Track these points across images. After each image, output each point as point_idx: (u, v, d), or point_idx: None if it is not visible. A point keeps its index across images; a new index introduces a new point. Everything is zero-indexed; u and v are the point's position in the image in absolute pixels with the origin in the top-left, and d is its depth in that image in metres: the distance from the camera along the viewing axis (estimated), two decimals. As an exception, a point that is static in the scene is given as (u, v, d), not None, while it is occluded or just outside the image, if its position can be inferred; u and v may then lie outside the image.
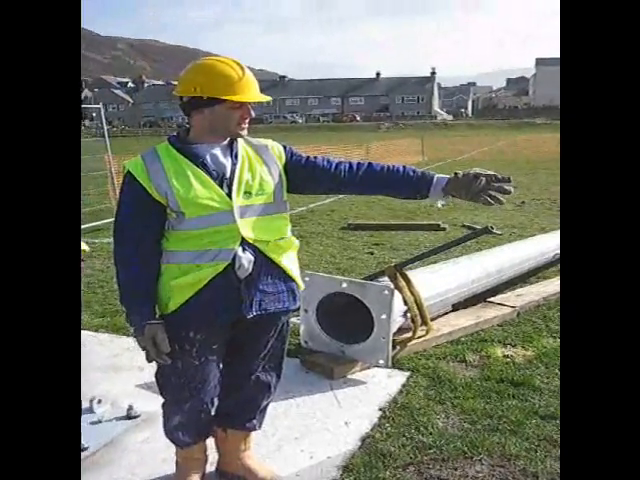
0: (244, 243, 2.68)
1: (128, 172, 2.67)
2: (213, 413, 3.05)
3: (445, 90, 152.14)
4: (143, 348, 2.72)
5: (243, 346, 2.96)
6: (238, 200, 2.66)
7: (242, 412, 3.12)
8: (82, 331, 5.52)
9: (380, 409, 3.91)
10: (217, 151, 2.71)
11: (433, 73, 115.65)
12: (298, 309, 3.17)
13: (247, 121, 2.71)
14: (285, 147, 2.88)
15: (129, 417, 3.84)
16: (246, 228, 2.67)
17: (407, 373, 4.44)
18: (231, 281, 2.68)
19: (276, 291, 2.82)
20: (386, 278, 4.85)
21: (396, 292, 4.55)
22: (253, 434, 3.24)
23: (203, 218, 2.64)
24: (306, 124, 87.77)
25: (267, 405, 3.20)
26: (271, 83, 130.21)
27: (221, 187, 2.65)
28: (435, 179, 2.77)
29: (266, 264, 2.75)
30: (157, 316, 2.73)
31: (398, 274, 4.82)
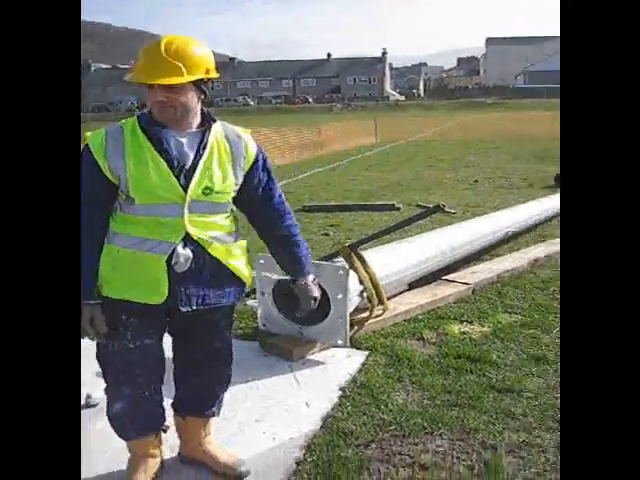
0: (187, 239, 2.61)
1: (86, 145, 2.58)
2: (162, 405, 3.02)
3: (396, 71, 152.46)
4: (82, 330, 2.65)
5: (189, 336, 2.94)
6: (193, 194, 2.57)
7: (198, 399, 3.09)
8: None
9: (340, 389, 3.92)
10: (183, 139, 2.60)
11: (384, 54, 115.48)
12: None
13: (162, 105, 2.52)
14: (260, 152, 2.80)
15: (88, 405, 3.78)
16: (192, 224, 2.61)
17: (366, 352, 4.46)
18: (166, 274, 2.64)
19: (219, 288, 2.78)
20: (341, 259, 4.87)
21: (352, 272, 4.57)
22: (213, 419, 3.20)
23: (151, 207, 2.57)
24: (258, 106, 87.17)
25: (224, 392, 3.17)
26: (221, 65, 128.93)
27: (178, 178, 2.55)
28: (301, 277, 2.97)
29: (209, 262, 2.70)
30: (96, 295, 2.68)
31: (353, 254, 4.83)
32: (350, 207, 10.71)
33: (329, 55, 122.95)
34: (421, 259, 5.76)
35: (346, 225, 9.35)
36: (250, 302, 5.16)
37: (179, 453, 3.24)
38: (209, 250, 2.67)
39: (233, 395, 3.78)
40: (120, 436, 3.01)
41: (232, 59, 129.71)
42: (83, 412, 3.71)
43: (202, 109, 2.68)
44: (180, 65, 2.44)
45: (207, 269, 2.70)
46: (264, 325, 4.79)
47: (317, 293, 3.03)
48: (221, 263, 2.73)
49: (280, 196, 2.89)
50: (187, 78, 2.46)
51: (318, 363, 4.37)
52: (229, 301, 2.85)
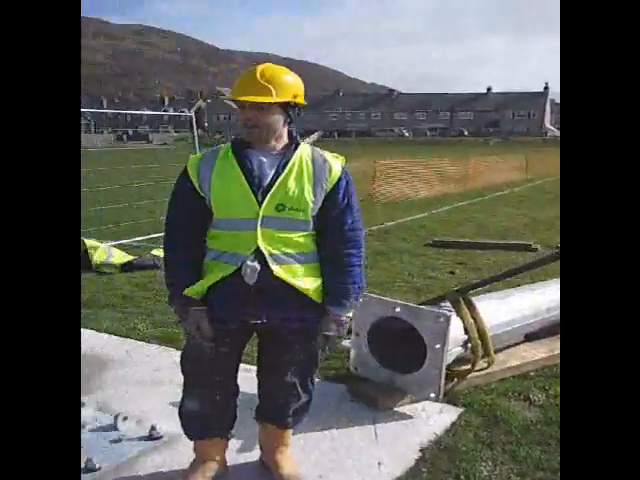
0: (257, 252, 2.76)
1: (185, 165, 2.90)
2: (233, 412, 3.21)
3: (558, 106, 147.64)
4: (186, 331, 2.97)
5: (263, 344, 3.14)
6: (266, 210, 2.74)
7: (272, 408, 3.21)
8: (132, 341, 5.41)
9: (421, 449, 3.54)
10: (266, 158, 2.81)
11: (546, 88, 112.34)
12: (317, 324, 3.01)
13: (249, 124, 2.77)
14: (344, 177, 2.89)
15: (150, 438, 3.63)
16: (264, 239, 2.76)
17: (460, 409, 4.03)
18: (239, 285, 2.79)
19: (284, 305, 2.86)
20: (447, 303, 4.47)
21: (457, 320, 4.17)
22: (289, 432, 3.29)
23: (229, 221, 2.81)
24: (413, 138, 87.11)
25: (302, 408, 3.22)
26: (379, 97, 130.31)
27: (256, 195, 2.75)
28: (330, 308, 2.92)
29: (275, 277, 2.80)
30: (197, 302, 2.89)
31: (461, 299, 4.42)
32: (482, 245, 10.15)
33: (489, 89, 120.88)
34: (541, 309, 5.21)
35: (475, 264, 8.83)
36: (345, 342, 4.85)
37: (260, 458, 3.40)
38: (274, 266, 2.78)
39: (306, 440, 3.62)
40: (187, 435, 3.23)
41: (391, 91, 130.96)
42: (145, 444, 3.58)
43: (290, 132, 2.89)
44: (270, 87, 2.71)
45: (273, 284, 2.79)
46: (355, 369, 4.47)
47: (334, 332, 2.96)
48: (285, 281, 2.81)
49: (353, 223, 2.91)
50: (275, 99, 2.71)
51: (405, 417, 3.98)
52: (294, 318, 2.90)
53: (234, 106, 2.88)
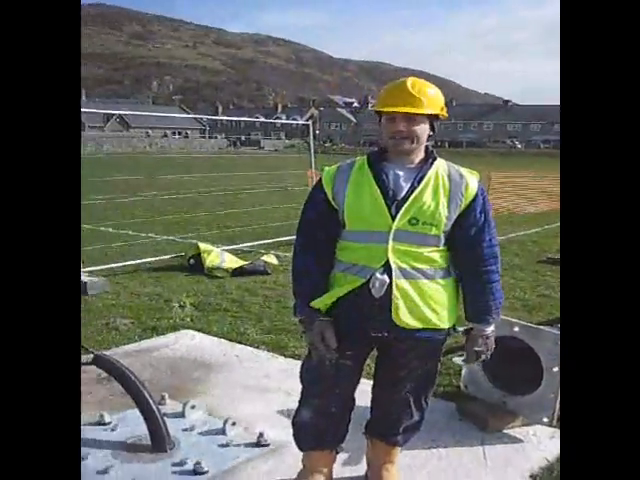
0: (387, 266, 2.75)
1: (320, 177, 2.94)
2: (345, 425, 3.18)
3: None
4: (310, 343, 2.92)
5: (380, 358, 3.12)
6: (398, 224, 2.73)
7: (383, 423, 3.21)
8: (242, 346, 5.49)
9: (531, 476, 3.41)
10: (402, 172, 2.81)
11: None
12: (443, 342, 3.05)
13: (399, 136, 2.75)
14: (480, 194, 2.86)
15: (258, 444, 3.65)
16: (395, 252, 2.75)
17: (575, 437, 3.85)
18: (365, 298, 2.78)
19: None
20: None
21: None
22: (397, 449, 3.27)
23: (361, 233, 2.81)
24: (525, 150, 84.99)
25: (413, 426, 3.20)
26: (494, 107, 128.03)
27: (390, 208, 2.75)
28: (476, 324, 2.94)
29: (401, 292, 2.78)
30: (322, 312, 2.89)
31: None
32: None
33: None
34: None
35: (591, 284, 8.47)
36: (456, 359, 4.74)
37: (365, 475, 3.38)
38: (400, 280, 2.76)
39: (413, 458, 3.56)
40: (298, 445, 3.22)
41: (506, 102, 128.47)
42: (252, 450, 3.60)
43: (427, 146, 2.88)
44: (422, 99, 2.73)
45: (400, 299, 2.78)
46: (466, 387, 4.36)
47: (482, 348, 2.96)
48: (410, 296, 2.79)
49: (491, 240, 2.88)
50: (426, 110, 2.74)
51: (515, 440, 3.85)
52: (418, 337, 2.87)
53: (378, 118, 2.86)
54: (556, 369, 3.80)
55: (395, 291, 2.77)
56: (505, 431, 3.95)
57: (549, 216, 16.52)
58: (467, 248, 2.86)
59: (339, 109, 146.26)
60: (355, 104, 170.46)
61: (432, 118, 2.80)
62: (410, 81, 2.79)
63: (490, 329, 2.96)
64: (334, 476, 3.28)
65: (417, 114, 2.73)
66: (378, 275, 2.75)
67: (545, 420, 3.87)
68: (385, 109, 2.77)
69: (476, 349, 2.96)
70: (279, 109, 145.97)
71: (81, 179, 2.21)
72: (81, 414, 2.15)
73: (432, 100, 2.77)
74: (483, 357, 3.00)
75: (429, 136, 2.85)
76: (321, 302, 2.86)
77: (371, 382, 3.21)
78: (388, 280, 2.75)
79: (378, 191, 2.77)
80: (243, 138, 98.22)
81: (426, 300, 2.83)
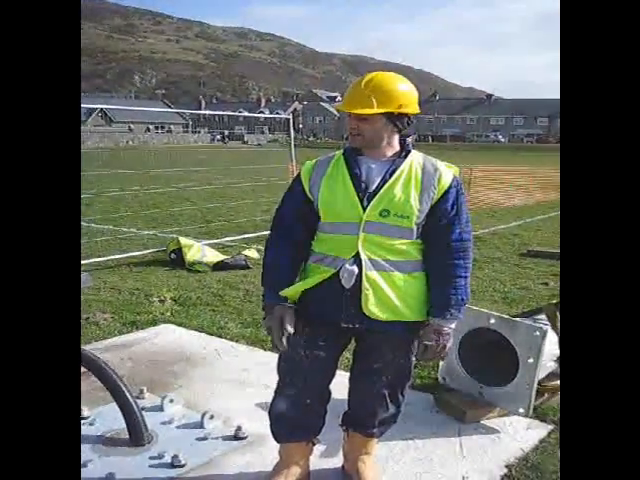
0: (357, 257, 2.78)
1: (299, 170, 3.00)
2: (321, 417, 3.17)
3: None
4: (268, 329, 2.91)
5: (359, 355, 3.12)
6: (369, 215, 2.76)
7: (359, 415, 3.21)
8: (222, 340, 5.49)
9: (507, 466, 3.43)
10: (374, 165, 2.84)
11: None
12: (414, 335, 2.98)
13: (353, 132, 2.82)
14: (454, 186, 2.85)
15: (236, 437, 3.67)
16: (365, 244, 2.78)
17: (550, 427, 3.90)
18: (336, 289, 2.82)
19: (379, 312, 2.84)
20: (544, 317, 4.34)
21: (553, 334, 4.03)
22: (373, 441, 3.28)
23: (334, 225, 2.85)
24: (508, 144, 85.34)
25: (389, 418, 3.19)
26: (477, 101, 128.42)
27: (362, 200, 2.77)
28: (432, 318, 2.88)
29: (372, 283, 2.80)
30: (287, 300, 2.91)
31: (559, 313, 4.27)
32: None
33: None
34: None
35: (571, 276, 8.53)
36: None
37: (342, 466, 3.40)
38: (370, 271, 2.78)
39: (390, 449, 3.58)
40: (274, 436, 3.21)
41: (489, 96, 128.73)
42: (230, 444, 3.61)
43: (403, 140, 2.89)
44: (372, 98, 2.72)
45: (370, 290, 2.79)
46: (443, 379, 4.39)
47: (432, 342, 2.87)
48: (380, 288, 2.80)
49: (461, 234, 2.87)
50: (375, 110, 2.72)
51: (491, 431, 3.88)
52: (390, 329, 2.87)
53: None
54: (531, 360, 3.84)
55: (365, 282, 2.78)
56: (482, 422, 3.99)
57: (531, 209, 16.64)
58: (435, 239, 2.85)
59: (322, 103, 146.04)
60: (338, 98, 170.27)
61: (392, 115, 2.76)
62: (366, 79, 2.78)
63: (447, 325, 2.87)
64: (311, 468, 3.29)
65: (365, 114, 2.74)
66: (347, 266, 2.78)
67: (521, 411, 3.90)
68: (339, 109, 2.83)
69: (426, 342, 2.87)
70: (262, 103, 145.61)
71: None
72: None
73: (388, 98, 2.72)
74: (434, 355, 2.91)
75: (398, 131, 2.84)
76: (291, 291, 2.88)
77: (348, 374, 3.22)
78: (357, 271, 2.77)
79: (351, 183, 2.81)
80: (227, 132, 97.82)
81: (397, 292, 2.82)
